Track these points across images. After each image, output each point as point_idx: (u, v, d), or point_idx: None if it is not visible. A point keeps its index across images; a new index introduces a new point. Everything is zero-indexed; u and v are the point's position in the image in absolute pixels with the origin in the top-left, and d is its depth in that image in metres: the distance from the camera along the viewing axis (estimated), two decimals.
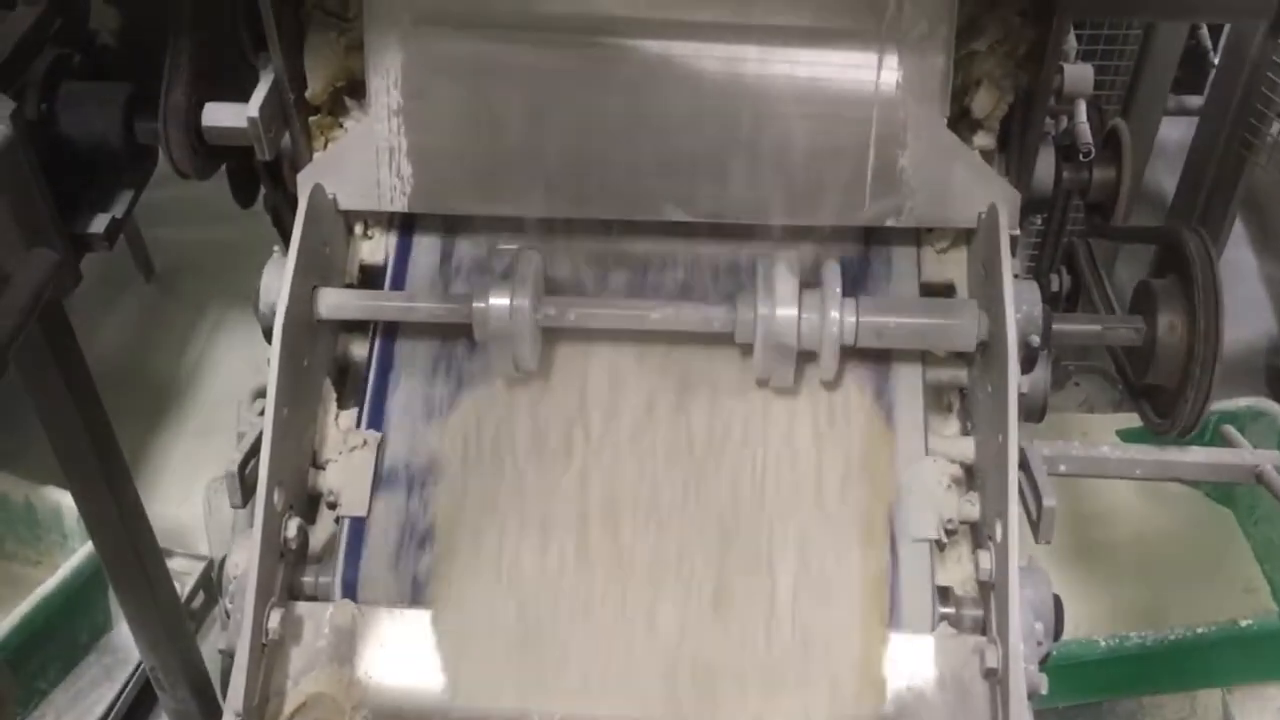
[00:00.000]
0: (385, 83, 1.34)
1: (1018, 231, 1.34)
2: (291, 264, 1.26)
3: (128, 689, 2.38)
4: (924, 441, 1.32)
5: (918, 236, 1.43)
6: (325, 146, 1.40)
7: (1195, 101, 2.90)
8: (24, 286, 1.26)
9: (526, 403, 1.35)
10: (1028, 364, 1.35)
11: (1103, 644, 2.21)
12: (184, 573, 2.50)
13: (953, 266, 1.42)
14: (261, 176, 1.53)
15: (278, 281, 1.27)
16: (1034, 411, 1.42)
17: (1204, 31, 2.80)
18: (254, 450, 1.24)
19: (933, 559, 1.27)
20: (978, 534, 1.28)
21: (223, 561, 1.27)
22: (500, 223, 1.41)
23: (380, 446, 1.33)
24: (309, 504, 1.33)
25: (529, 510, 1.29)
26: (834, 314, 1.26)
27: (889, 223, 1.36)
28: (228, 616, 1.23)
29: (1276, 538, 2.63)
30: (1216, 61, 2.75)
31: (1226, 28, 2.70)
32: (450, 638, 1.24)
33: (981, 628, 1.23)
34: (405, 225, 1.45)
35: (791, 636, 1.23)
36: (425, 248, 1.44)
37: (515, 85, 1.33)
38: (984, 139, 1.39)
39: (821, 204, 1.35)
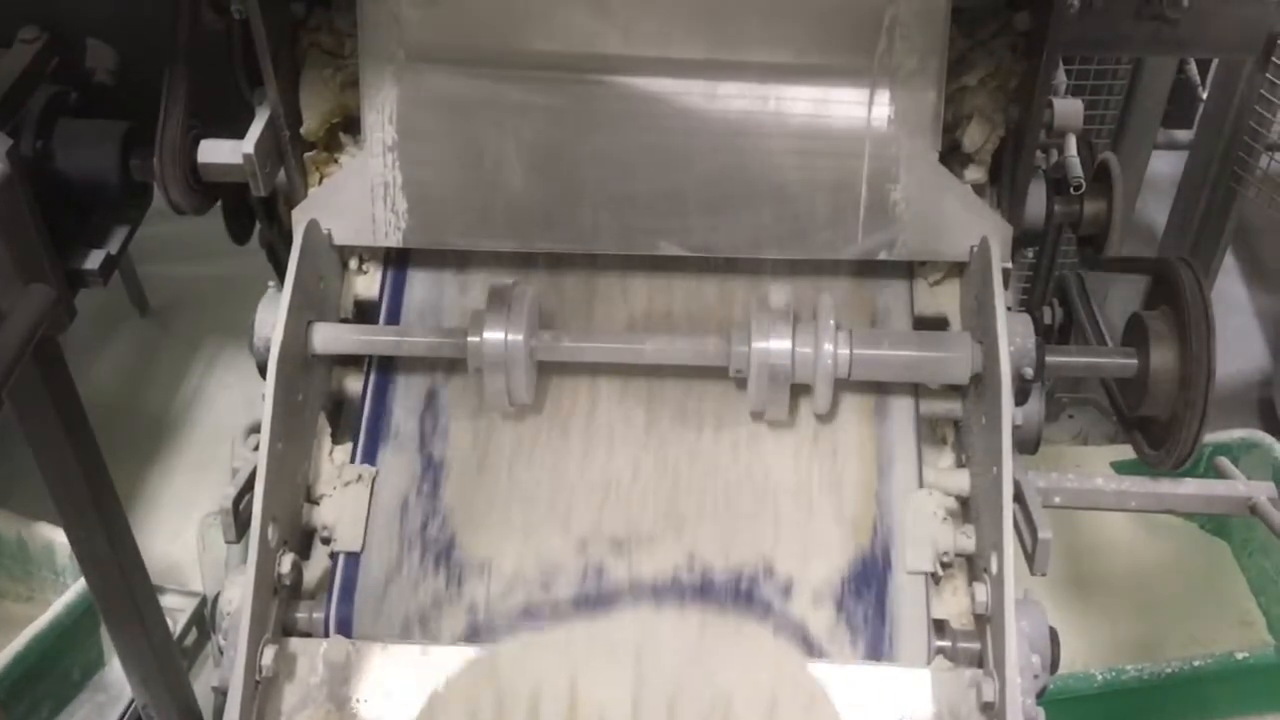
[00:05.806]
0: (380, 119, 1.34)
1: (1010, 264, 1.34)
2: (286, 299, 1.26)
3: None
4: (918, 474, 1.32)
5: (910, 270, 1.43)
6: (320, 182, 1.41)
7: (1185, 135, 2.91)
8: (19, 322, 1.26)
9: (521, 436, 1.35)
10: (1021, 396, 1.35)
11: (1099, 677, 2.20)
12: (177, 609, 2.49)
13: (946, 299, 1.43)
14: (257, 212, 1.54)
15: (272, 317, 1.28)
16: (1028, 443, 1.43)
17: (1192, 66, 2.82)
18: (248, 485, 1.24)
19: (928, 592, 1.26)
20: (973, 567, 1.28)
21: (216, 598, 1.26)
22: (494, 257, 1.42)
23: (375, 481, 1.33)
24: (303, 539, 1.33)
25: (524, 546, 1.29)
26: (827, 346, 1.26)
27: (882, 256, 1.37)
28: (221, 653, 1.22)
29: (1271, 570, 2.62)
30: (1205, 95, 2.77)
31: (1215, 62, 2.71)
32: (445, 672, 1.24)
33: (978, 661, 1.22)
34: (400, 260, 1.46)
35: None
36: (419, 282, 1.45)
37: (509, 121, 1.34)
38: (975, 173, 1.40)
39: (815, 238, 1.36)
